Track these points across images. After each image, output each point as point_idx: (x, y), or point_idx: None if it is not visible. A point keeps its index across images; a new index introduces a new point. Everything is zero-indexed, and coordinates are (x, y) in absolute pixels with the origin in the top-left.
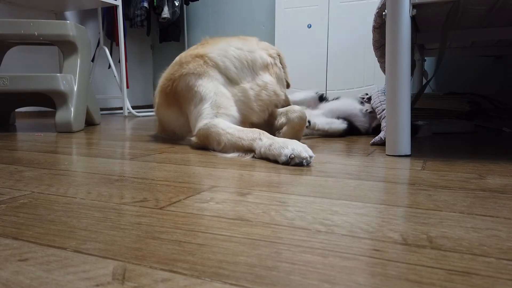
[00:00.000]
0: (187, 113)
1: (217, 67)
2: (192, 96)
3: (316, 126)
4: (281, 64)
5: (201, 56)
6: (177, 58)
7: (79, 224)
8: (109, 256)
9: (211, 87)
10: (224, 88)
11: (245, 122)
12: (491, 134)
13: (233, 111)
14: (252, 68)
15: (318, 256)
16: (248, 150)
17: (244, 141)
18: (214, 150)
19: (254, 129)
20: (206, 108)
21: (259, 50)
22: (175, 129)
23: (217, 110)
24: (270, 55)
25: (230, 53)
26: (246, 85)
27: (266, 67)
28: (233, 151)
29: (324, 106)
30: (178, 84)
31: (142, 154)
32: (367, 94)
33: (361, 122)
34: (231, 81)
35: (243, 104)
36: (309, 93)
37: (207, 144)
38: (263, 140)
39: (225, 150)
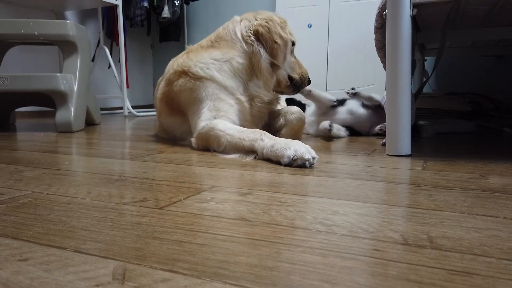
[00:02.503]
0: (187, 121)
1: (204, 79)
2: (192, 105)
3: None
4: (265, 40)
5: (185, 73)
6: (166, 75)
7: (79, 224)
8: (109, 256)
9: (204, 95)
10: (223, 94)
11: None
12: (492, 134)
13: (233, 116)
14: (239, 75)
15: (319, 256)
16: (249, 151)
17: (245, 142)
18: (215, 151)
19: (255, 129)
20: (204, 112)
21: (236, 53)
22: (179, 134)
23: (216, 113)
24: (248, 43)
25: (211, 66)
26: (242, 97)
27: (251, 70)
28: (234, 152)
29: (334, 113)
30: (178, 98)
31: (142, 154)
32: (353, 89)
33: (362, 127)
34: (225, 89)
35: (241, 114)
36: (330, 98)
37: (207, 146)
38: (265, 140)
39: (225, 151)
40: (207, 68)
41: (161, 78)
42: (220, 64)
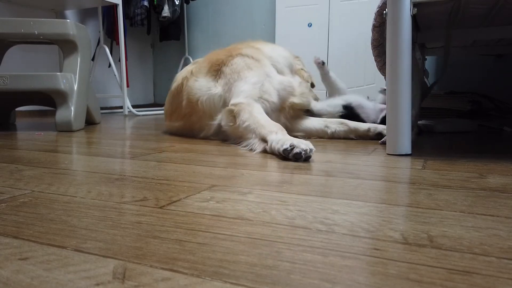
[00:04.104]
0: (224, 85)
1: (270, 59)
2: (245, 72)
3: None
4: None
5: (257, 48)
6: (231, 46)
7: (79, 223)
8: (110, 255)
9: (263, 73)
10: (273, 78)
11: (286, 102)
12: (492, 133)
13: (275, 98)
14: (291, 70)
15: (319, 255)
16: (263, 139)
17: (263, 129)
18: (233, 133)
19: (277, 124)
20: (255, 89)
21: (293, 60)
22: (200, 99)
23: (262, 95)
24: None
25: (279, 52)
26: (289, 77)
27: (296, 72)
28: (251, 135)
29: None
30: (234, 59)
31: (142, 153)
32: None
33: (367, 114)
34: (279, 72)
35: (286, 92)
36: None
37: (236, 117)
38: (278, 134)
39: (246, 131)
40: (275, 54)
41: (197, 61)
42: (283, 58)
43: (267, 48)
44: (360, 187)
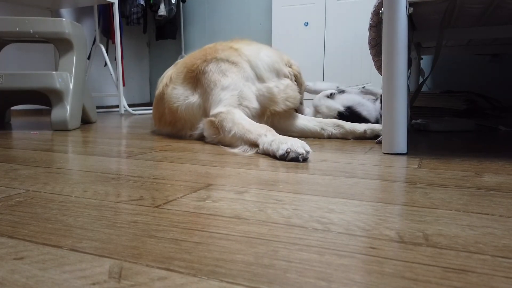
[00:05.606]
0: (201, 94)
1: (249, 62)
2: (221, 80)
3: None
4: (297, 82)
5: (236, 50)
6: (211, 45)
7: (75, 222)
8: (106, 255)
9: (240, 78)
10: (251, 83)
11: (266, 109)
12: (487, 132)
13: (255, 104)
14: (277, 74)
15: (315, 254)
16: (253, 144)
17: (251, 134)
18: (220, 142)
19: (263, 125)
20: (233, 96)
21: (282, 64)
22: (179, 108)
23: (241, 102)
24: (289, 72)
25: (261, 55)
26: (271, 84)
27: (287, 76)
28: (240, 143)
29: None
30: (208, 65)
31: (138, 152)
32: (363, 87)
33: (369, 111)
34: (258, 78)
35: (266, 99)
36: (331, 85)
37: (219, 128)
38: (268, 136)
39: (233, 140)
40: (256, 57)
41: (181, 62)
42: (268, 60)
43: (248, 49)
44: (356, 186)
